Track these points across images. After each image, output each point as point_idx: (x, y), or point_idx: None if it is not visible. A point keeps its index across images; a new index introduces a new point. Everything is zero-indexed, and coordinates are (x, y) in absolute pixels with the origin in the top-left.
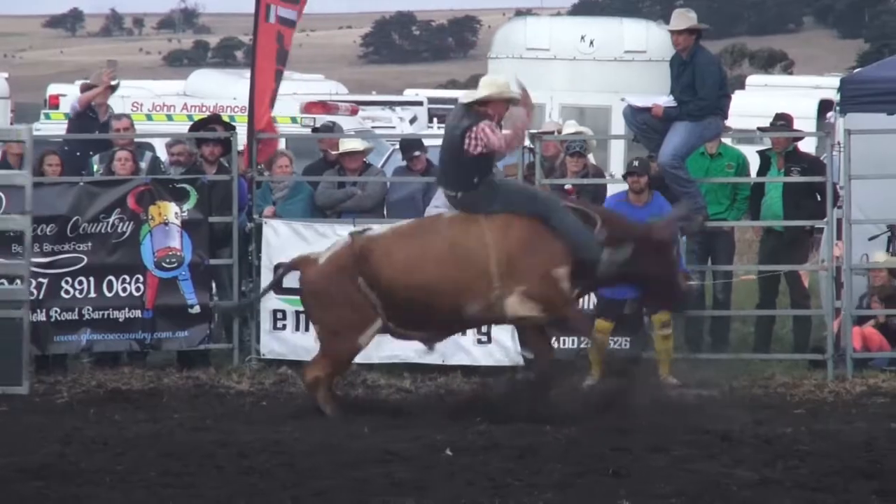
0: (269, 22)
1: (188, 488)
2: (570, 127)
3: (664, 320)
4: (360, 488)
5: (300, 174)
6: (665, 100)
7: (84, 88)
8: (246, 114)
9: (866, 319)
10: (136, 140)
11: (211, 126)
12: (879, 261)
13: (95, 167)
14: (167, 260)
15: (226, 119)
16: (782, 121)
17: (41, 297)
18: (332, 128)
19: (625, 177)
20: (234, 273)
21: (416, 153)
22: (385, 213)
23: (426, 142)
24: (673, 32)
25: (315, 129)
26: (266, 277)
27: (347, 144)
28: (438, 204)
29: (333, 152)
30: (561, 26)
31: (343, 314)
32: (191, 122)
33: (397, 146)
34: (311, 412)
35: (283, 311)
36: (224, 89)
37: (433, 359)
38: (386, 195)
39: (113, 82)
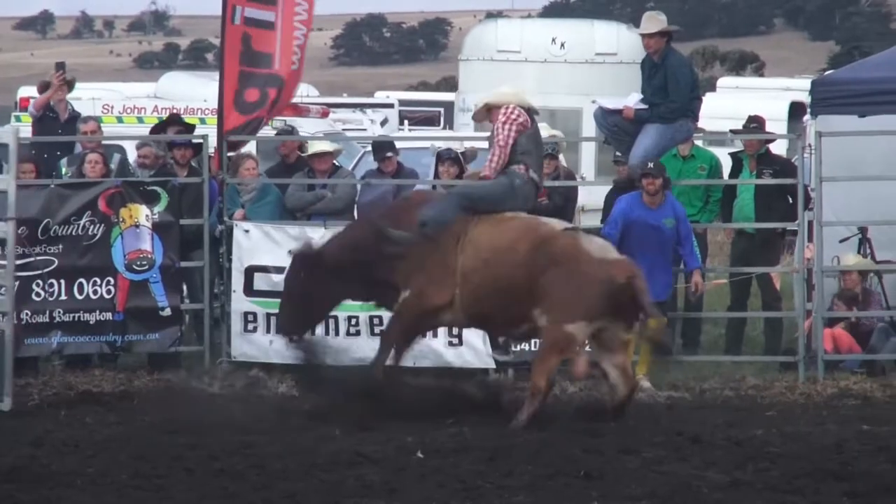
0: (234, 24)
1: (159, 491)
2: (542, 130)
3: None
4: (330, 490)
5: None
6: (634, 97)
7: (41, 88)
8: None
9: (837, 321)
10: (107, 142)
11: (173, 127)
12: (850, 263)
13: (64, 170)
14: (138, 262)
15: (195, 121)
16: (755, 123)
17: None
18: (290, 131)
19: (640, 179)
20: (206, 275)
21: (388, 154)
22: (356, 215)
23: (397, 144)
24: (643, 35)
25: (278, 133)
26: (237, 280)
27: (317, 146)
28: None
29: (302, 154)
30: (532, 28)
31: None
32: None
33: (368, 148)
34: (282, 414)
35: (254, 314)
36: (194, 91)
37: (404, 361)
38: (356, 197)
39: (68, 78)
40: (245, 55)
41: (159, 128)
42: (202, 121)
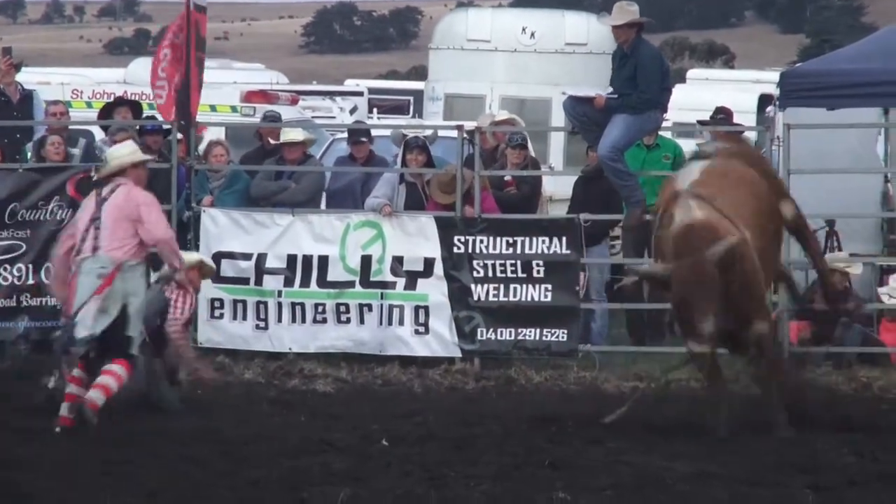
0: (191, 10)
1: (125, 476)
2: (503, 115)
3: None
4: (296, 478)
5: (238, 163)
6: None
7: None
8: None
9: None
10: (75, 127)
11: (120, 109)
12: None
13: (29, 154)
14: None
15: None
16: (722, 114)
17: None
18: (277, 118)
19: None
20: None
21: (362, 139)
22: (325, 203)
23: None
24: (614, 26)
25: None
26: None
27: (289, 135)
28: (379, 195)
29: (273, 142)
30: (502, 18)
31: None
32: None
33: (338, 136)
34: (248, 401)
35: (221, 300)
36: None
37: (370, 349)
38: (326, 185)
39: (15, 62)
40: (199, 41)
41: (106, 110)
42: (152, 106)
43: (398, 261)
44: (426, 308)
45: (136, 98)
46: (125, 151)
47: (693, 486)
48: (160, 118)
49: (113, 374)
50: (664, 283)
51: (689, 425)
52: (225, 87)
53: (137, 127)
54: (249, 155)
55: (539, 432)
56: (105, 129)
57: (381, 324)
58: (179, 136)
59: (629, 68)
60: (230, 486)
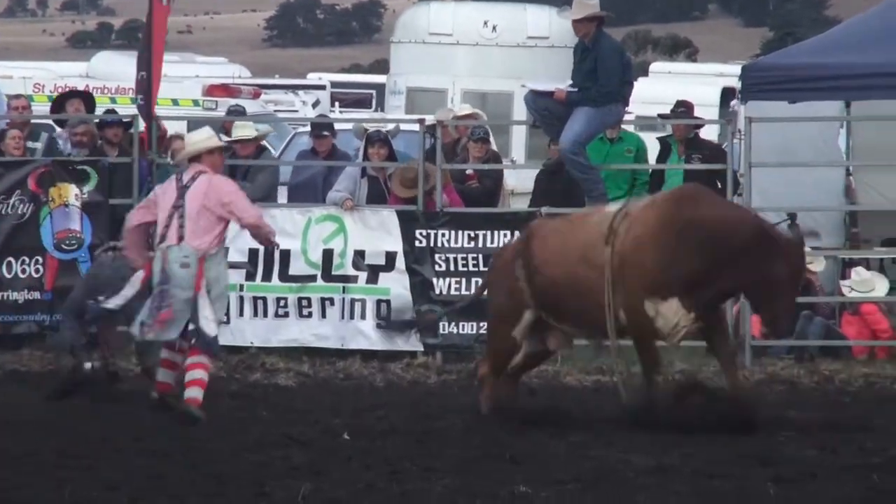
0: (163, 3)
1: (86, 470)
2: (465, 109)
3: None
4: (257, 472)
5: None
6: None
7: None
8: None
9: None
10: (37, 121)
11: (72, 101)
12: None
13: None
14: (67, 242)
15: (127, 101)
16: (682, 108)
17: None
18: (242, 112)
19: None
20: None
21: (324, 133)
22: (286, 197)
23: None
24: (574, 20)
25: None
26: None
27: (239, 132)
28: (340, 189)
29: (225, 139)
30: (464, 11)
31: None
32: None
33: (299, 129)
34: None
35: None
36: (126, 71)
37: (332, 343)
38: (287, 179)
39: None
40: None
41: (58, 102)
42: (134, 101)
43: (360, 255)
44: (388, 302)
45: (100, 92)
46: (200, 137)
47: (654, 480)
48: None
49: (200, 367)
50: None
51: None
52: (187, 81)
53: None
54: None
55: (500, 426)
56: (62, 122)
57: (342, 318)
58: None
59: (590, 62)
60: (191, 480)
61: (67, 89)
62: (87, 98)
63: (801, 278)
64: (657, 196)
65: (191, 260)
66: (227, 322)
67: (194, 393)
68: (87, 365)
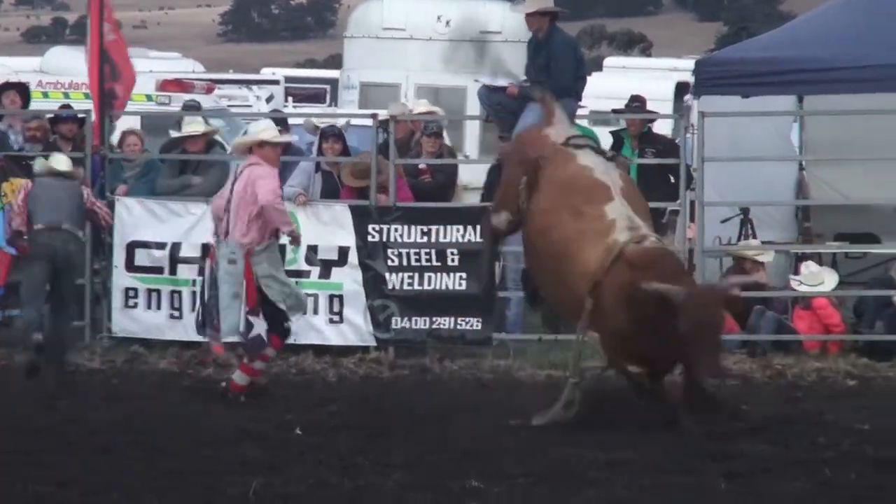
0: None
1: (39, 466)
2: (422, 106)
3: None
4: (209, 467)
5: (155, 152)
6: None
7: None
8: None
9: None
10: None
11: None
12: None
13: None
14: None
15: (81, 97)
16: (636, 102)
17: None
18: (197, 107)
19: None
20: (87, 251)
21: (278, 128)
22: None
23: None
24: (527, 14)
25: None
26: (118, 255)
27: (187, 127)
28: (294, 184)
29: (174, 134)
30: (417, 6)
31: None
32: (45, 100)
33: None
34: (162, 390)
35: (135, 290)
36: (80, 66)
37: None
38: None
39: None
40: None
41: None
42: (87, 96)
43: (313, 249)
44: (341, 297)
45: (54, 87)
46: (254, 130)
47: (606, 474)
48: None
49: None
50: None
51: (603, 414)
52: (140, 76)
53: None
54: (169, 144)
55: (453, 421)
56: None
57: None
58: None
59: (543, 57)
60: (144, 476)
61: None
62: (21, 89)
63: (707, 325)
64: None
65: (237, 256)
66: (180, 317)
67: (237, 377)
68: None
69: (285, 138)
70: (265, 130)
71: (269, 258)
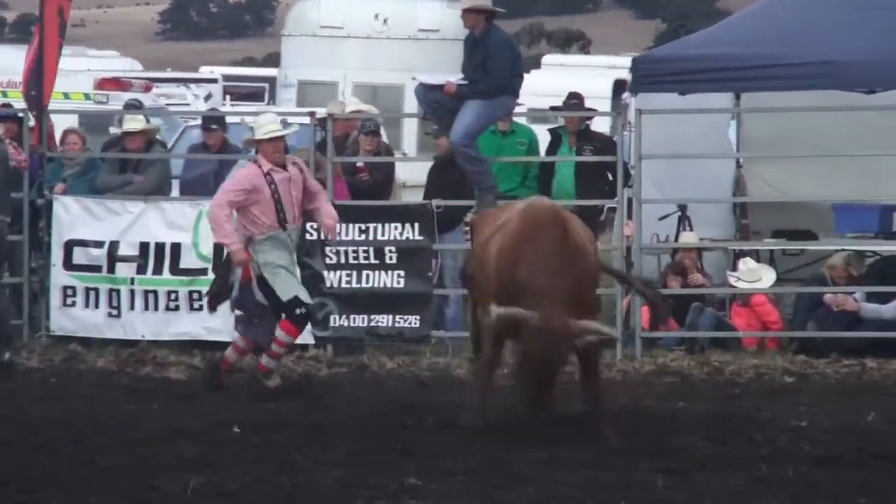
0: None
1: None
2: (354, 105)
3: None
4: (147, 466)
5: (96, 151)
6: (456, 78)
7: None
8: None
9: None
10: None
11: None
12: (690, 241)
13: None
14: None
15: (19, 95)
16: (575, 100)
17: None
18: (139, 105)
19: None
20: (25, 249)
21: (213, 127)
22: (178, 192)
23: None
24: (463, 11)
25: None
26: (56, 254)
27: (127, 125)
28: None
29: (112, 130)
30: (355, 4)
31: None
32: None
33: (191, 123)
34: (100, 388)
35: (73, 288)
36: (20, 64)
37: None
38: (180, 173)
39: None
40: (62, 27)
41: None
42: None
43: None
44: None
45: None
46: (256, 124)
47: (544, 471)
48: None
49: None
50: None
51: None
52: (79, 75)
53: None
54: (110, 143)
55: (391, 418)
56: None
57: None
58: (31, 123)
59: (480, 54)
60: (81, 475)
61: None
62: None
63: (537, 357)
64: None
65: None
66: (119, 315)
67: (265, 360)
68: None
69: (277, 133)
70: (263, 125)
71: (265, 250)
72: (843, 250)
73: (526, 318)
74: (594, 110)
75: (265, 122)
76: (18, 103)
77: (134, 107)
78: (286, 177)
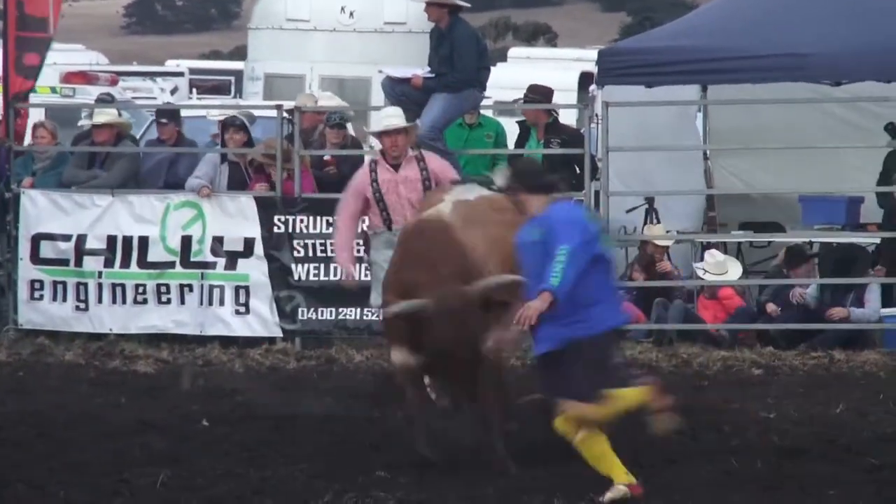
0: None
1: None
2: (328, 99)
3: None
4: (116, 460)
5: (66, 144)
6: (423, 71)
7: None
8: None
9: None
10: None
11: None
12: (652, 233)
13: None
14: None
15: None
16: (534, 93)
17: None
18: (110, 100)
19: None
20: None
21: (163, 121)
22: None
23: (186, 112)
24: (426, 4)
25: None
26: (24, 248)
27: (96, 118)
28: (199, 175)
29: (80, 123)
30: None
31: None
32: None
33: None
34: (68, 382)
35: (41, 282)
36: None
37: (191, 329)
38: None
39: None
40: (20, 20)
41: None
42: None
43: (218, 241)
44: (247, 288)
45: None
46: (376, 116)
47: (515, 464)
48: None
49: None
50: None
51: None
52: (44, 68)
53: None
54: (81, 136)
55: (360, 411)
56: None
57: (201, 304)
58: None
59: (446, 48)
60: (49, 469)
61: None
62: None
63: (446, 339)
64: None
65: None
66: (86, 309)
67: None
68: None
69: (390, 126)
70: (380, 119)
71: (381, 247)
72: (811, 242)
73: (422, 304)
74: (557, 104)
75: (383, 114)
76: None
77: (105, 101)
78: (395, 178)
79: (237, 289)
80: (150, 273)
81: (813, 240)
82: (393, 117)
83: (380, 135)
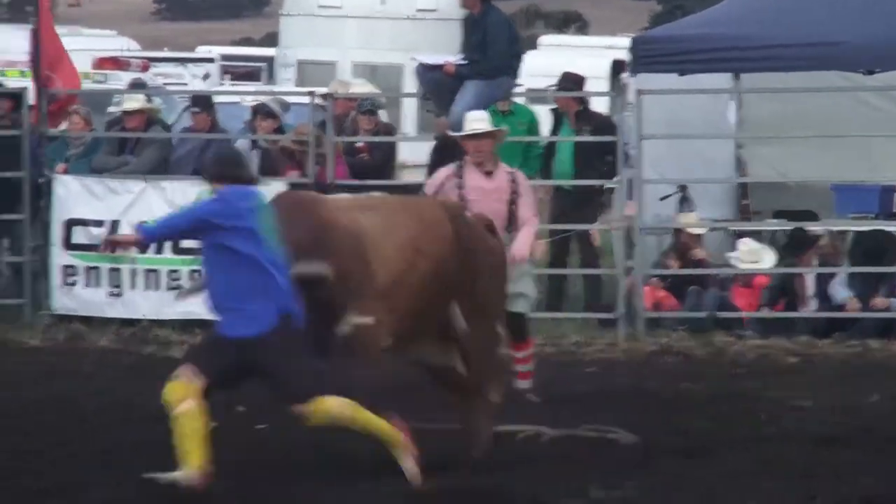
0: None
1: None
2: (360, 86)
3: None
4: (150, 446)
5: (100, 129)
6: (455, 58)
7: None
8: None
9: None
10: None
11: None
12: (688, 221)
13: None
14: None
15: (16, 74)
16: (568, 81)
17: None
18: (143, 85)
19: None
20: (26, 228)
21: (196, 109)
22: (167, 170)
23: (218, 98)
24: None
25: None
26: (56, 233)
27: (127, 104)
28: None
29: (110, 110)
30: None
31: None
32: None
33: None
34: (103, 368)
35: (74, 267)
36: (15, 44)
37: None
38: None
39: None
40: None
41: None
42: (23, 73)
43: None
44: None
45: None
46: (465, 119)
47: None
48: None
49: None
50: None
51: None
52: (76, 54)
53: None
54: (113, 122)
55: None
56: None
57: None
58: (32, 102)
59: (478, 35)
60: (84, 455)
61: None
62: None
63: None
64: None
65: None
66: (120, 295)
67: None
68: None
69: (474, 130)
70: (470, 122)
71: None
72: (844, 231)
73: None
74: (590, 91)
75: (471, 118)
76: (16, 83)
77: (138, 86)
78: (484, 186)
79: None
80: (183, 259)
81: (846, 228)
82: (478, 121)
83: (464, 139)
